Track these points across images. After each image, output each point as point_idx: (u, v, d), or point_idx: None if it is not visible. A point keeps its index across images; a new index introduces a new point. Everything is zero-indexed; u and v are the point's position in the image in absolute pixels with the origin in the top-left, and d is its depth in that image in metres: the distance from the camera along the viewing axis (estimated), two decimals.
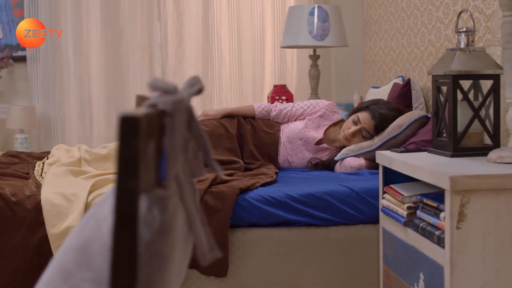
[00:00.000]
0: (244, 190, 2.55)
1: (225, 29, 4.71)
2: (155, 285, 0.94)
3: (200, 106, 4.64)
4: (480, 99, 2.25)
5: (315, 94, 4.28)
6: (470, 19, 2.25)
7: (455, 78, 2.18)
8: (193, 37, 4.68)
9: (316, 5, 4.04)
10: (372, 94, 3.56)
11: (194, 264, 2.47)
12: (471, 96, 2.31)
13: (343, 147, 3.09)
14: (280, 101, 4.05)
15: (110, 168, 2.82)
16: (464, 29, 2.23)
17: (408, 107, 3.18)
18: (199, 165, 1.09)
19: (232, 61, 4.74)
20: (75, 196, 2.44)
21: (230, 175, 2.79)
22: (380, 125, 2.99)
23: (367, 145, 2.97)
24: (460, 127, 2.21)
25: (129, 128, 0.84)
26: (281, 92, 4.13)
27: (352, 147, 3.01)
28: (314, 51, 4.24)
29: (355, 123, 3.04)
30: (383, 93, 3.43)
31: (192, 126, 1.01)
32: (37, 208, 2.40)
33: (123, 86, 4.61)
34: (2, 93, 4.65)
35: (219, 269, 2.48)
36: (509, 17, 2.03)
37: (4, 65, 4.49)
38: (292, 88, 4.71)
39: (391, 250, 2.34)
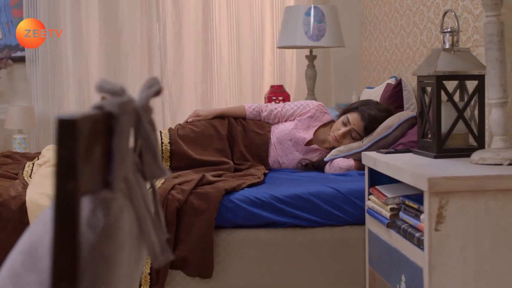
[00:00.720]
0: (229, 191, 2.55)
1: (224, 29, 4.71)
2: (100, 287, 0.94)
3: (199, 106, 4.64)
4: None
5: (311, 95, 4.26)
6: (457, 19, 2.23)
7: (439, 79, 2.16)
8: (192, 38, 4.68)
9: (312, 5, 4.03)
10: (366, 95, 3.55)
11: (179, 265, 2.49)
12: (457, 96, 2.29)
13: (333, 148, 3.08)
14: (277, 101, 4.04)
15: None
16: (449, 29, 2.21)
17: (400, 107, 3.16)
18: (159, 166, 1.09)
19: (231, 61, 4.73)
20: None
21: (219, 176, 2.78)
22: (369, 126, 2.97)
23: (356, 146, 2.95)
24: (445, 128, 2.20)
25: (66, 130, 0.85)
26: (278, 93, 4.12)
27: (341, 148, 2.99)
28: (311, 51, 4.22)
29: (344, 124, 3.03)
30: (376, 93, 3.41)
31: (140, 129, 1.01)
32: (22, 208, 2.41)
33: None
34: (1, 94, 4.67)
35: (204, 270, 2.47)
36: (492, 17, 2.02)
37: (3, 65, 4.51)
38: (291, 88, 4.70)
39: (376, 252, 2.33)
